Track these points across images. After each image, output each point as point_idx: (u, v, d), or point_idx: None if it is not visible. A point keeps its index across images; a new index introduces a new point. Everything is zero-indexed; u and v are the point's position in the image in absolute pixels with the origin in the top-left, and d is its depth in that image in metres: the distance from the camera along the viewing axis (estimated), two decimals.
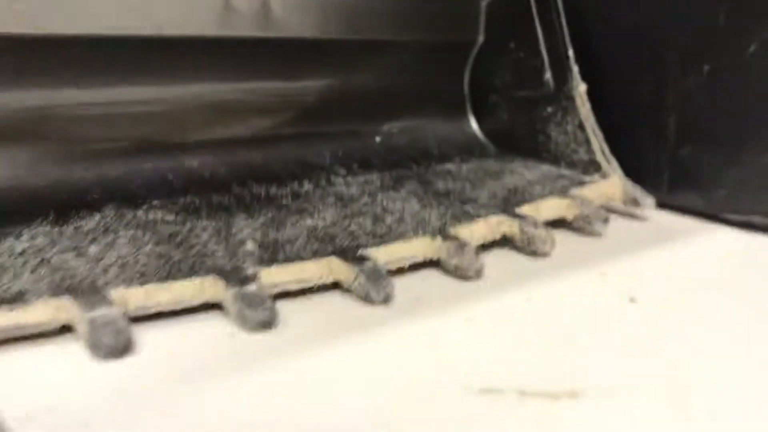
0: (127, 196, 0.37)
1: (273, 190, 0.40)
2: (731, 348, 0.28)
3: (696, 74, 0.43)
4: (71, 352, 0.26)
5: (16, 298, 0.27)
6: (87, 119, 0.38)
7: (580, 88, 0.46)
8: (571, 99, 0.47)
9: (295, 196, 0.40)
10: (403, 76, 0.50)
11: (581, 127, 0.46)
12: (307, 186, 0.41)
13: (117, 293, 0.28)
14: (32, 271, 0.29)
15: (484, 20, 0.51)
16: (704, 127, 0.44)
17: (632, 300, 0.32)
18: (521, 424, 0.22)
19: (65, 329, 0.27)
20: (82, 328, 0.26)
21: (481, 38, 0.51)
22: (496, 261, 0.35)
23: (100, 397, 0.23)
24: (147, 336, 0.27)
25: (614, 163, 0.46)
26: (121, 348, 0.26)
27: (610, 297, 0.32)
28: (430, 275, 0.34)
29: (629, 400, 0.24)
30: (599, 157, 0.46)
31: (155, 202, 0.36)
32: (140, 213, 0.35)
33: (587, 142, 0.46)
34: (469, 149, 0.51)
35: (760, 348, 0.28)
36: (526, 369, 0.26)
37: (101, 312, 0.26)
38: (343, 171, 0.44)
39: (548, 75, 0.48)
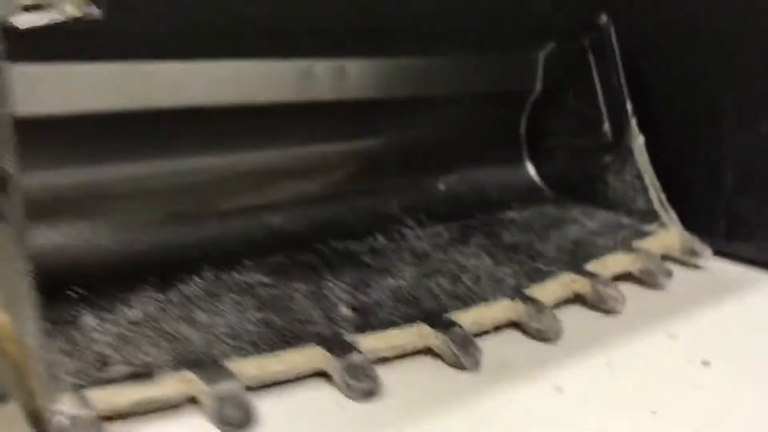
0: (221, 257, 0.39)
1: (351, 245, 0.42)
2: None
3: (754, 131, 0.45)
4: (198, 425, 0.28)
5: (144, 373, 0.29)
6: (182, 185, 0.40)
7: (639, 139, 0.48)
8: (629, 149, 0.49)
9: (373, 251, 0.42)
10: (464, 126, 0.52)
11: (639, 177, 0.48)
12: (381, 240, 0.43)
13: (235, 365, 0.30)
14: (151, 344, 0.31)
15: (541, 71, 0.52)
16: (761, 182, 0.45)
17: (705, 363, 0.34)
18: None
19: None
20: (207, 402, 0.29)
21: (538, 87, 0.53)
22: (570, 319, 0.37)
23: None
24: (263, 406, 0.29)
25: (672, 213, 0.47)
26: (245, 421, 0.28)
27: (684, 361, 0.34)
28: (511, 337, 0.36)
29: None
30: (657, 207, 0.48)
31: (247, 263, 0.39)
32: (236, 275, 0.37)
33: (645, 191, 0.48)
34: (527, 194, 0.53)
35: None
36: None
37: (224, 386, 0.29)
38: (412, 222, 0.46)
39: (606, 126, 0.49)
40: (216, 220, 0.41)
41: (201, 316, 0.34)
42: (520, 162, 0.54)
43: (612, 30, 0.49)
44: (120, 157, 0.38)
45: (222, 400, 0.28)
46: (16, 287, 0.26)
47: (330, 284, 0.37)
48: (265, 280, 0.38)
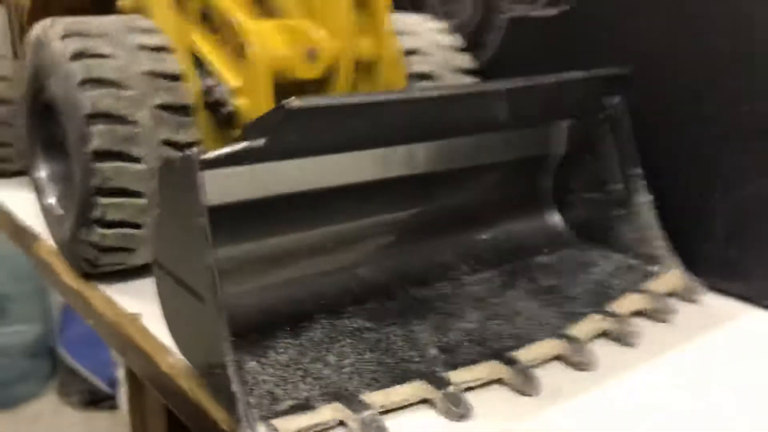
0: (328, 305, 0.50)
1: (424, 291, 0.54)
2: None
3: (741, 192, 0.57)
4: None
5: (306, 406, 0.41)
6: (308, 254, 0.52)
7: (647, 197, 0.60)
8: (638, 205, 0.60)
9: (443, 297, 0.53)
10: (505, 185, 0.63)
11: (646, 228, 0.60)
12: (447, 286, 0.55)
13: (368, 397, 0.41)
14: (303, 381, 0.43)
15: (565, 139, 0.64)
16: (746, 233, 0.57)
17: (704, 385, 0.46)
18: None
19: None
20: (353, 425, 0.40)
21: (562, 151, 0.65)
22: (600, 351, 0.49)
23: None
24: (391, 426, 0.41)
25: (675, 258, 0.59)
26: None
27: (685, 382, 0.46)
28: (558, 368, 0.48)
29: None
30: (661, 252, 0.59)
31: (350, 309, 0.50)
32: (345, 321, 0.49)
33: (652, 240, 0.60)
34: (554, 238, 0.65)
35: None
36: None
37: (365, 413, 0.40)
38: (465, 267, 0.58)
39: (620, 185, 0.61)
40: (331, 276, 0.52)
41: (330, 359, 0.45)
42: (548, 212, 0.66)
43: (625, 108, 0.60)
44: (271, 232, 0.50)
45: (365, 423, 0.40)
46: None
47: (417, 328, 0.49)
48: (367, 325, 0.49)
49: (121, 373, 2.03)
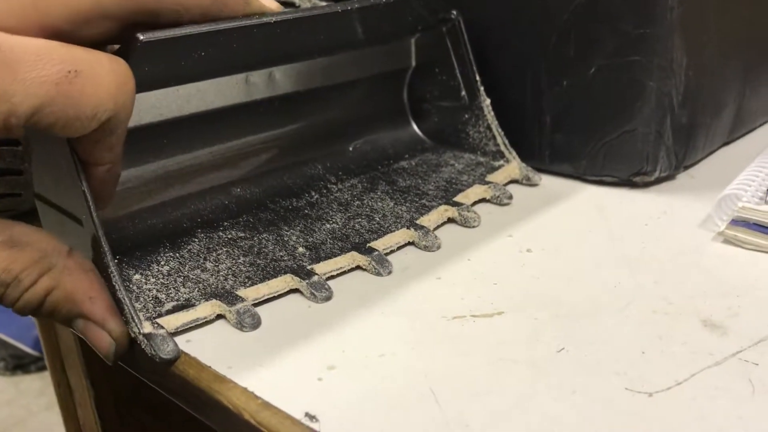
0: (206, 222, 0.56)
1: (295, 202, 0.60)
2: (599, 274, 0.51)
3: (560, 86, 0.65)
4: (227, 330, 0.47)
5: (187, 305, 0.47)
6: (184, 177, 0.57)
7: (486, 101, 0.68)
8: (480, 108, 0.68)
9: (310, 205, 0.60)
10: (363, 102, 0.70)
11: (489, 128, 0.68)
12: (315, 196, 0.62)
13: (242, 292, 0.48)
14: (183, 285, 0.49)
15: (414, 52, 0.71)
16: (568, 121, 0.66)
17: (529, 251, 0.55)
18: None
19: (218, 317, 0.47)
20: (231, 317, 0.47)
21: (413, 63, 0.71)
22: (446, 236, 0.57)
23: (251, 352, 0.44)
24: (263, 313, 0.48)
25: (513, 152, 0.68)
26: (256, 324, 0.47)
27: (516, 250, 0.55)
28: (410, 251, 0.56)
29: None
30: (503, 149, 0.68)
31: (225, 223, 0.56)
32: (221, 233, 0.55)
33: (494, 138, 0.68)
34: (414, 145, 0.72)
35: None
36: (476, 300, 0.48)
37: (240, 305, 0.47)
38: (333, 178, 0.65)
39: (463, 92, 0.69)
40: (203, 195, 0.58)
41: (209, 265, 0.51)
42: (407, 122, 0.73)
43: (461, 21, 0.67)
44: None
45: (240, 314, 0.47)
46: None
47: (287, 233, 0.56)
48: (241, 234, 0.56)
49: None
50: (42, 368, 2.11)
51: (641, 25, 0.58)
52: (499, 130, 0.68)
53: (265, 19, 0.49)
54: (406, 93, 0.73)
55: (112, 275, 0.44)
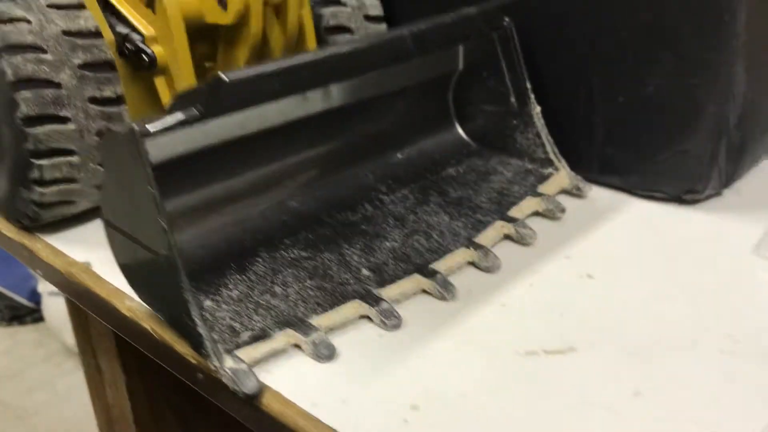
0: (267, 239, 0.56)
1: (350, 216, 0.61)
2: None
3: (614, 101, 0.65)
4: (303, 362, 0.47)
5: (263, 335, 0.47)
6: (243, 196, 0.57)
7: (536, 109, 0.67)
8: (530, 116, 0.68)
9: (367, 220, 0.60)
10: (410, 108, 0.69)
11: (538, 135, 0.68)
12: (369, 209, 0.62)
13: (315, 321, 0.49)
14: (256, 313, 0.49)
15: (462, 57, 0.70)
16: (620, 136, 0.66)
17: (589, 276, 0.56)
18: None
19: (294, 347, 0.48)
20: (306, 348, 0.47)
21: (460, 67, 0.71)
22: (504, 254, 0.58)
23: (332, 386, 0.45)
24: (337, 343, 0.48)
25: (562, 160, 0.68)
26: (332, 354, 0.47)
27: (575, 275, 0.56)
28: (470, 271, 0.56)
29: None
30: (552, 156, 0.68)
31: (286, 241, 0.57)
32: (284, 252, 0.55)
33: (543, 146, 0.68)
34: (459, 148, 0.72)
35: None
36: (544, 333, 0.49)
37: (314, 335, 0.47)
38: (384, 187, 0.65)
39: (513, 99, 0.68)
40: (260, 211, 0.58)
41: (277, 289, 0.52)
42: (451, 124, 0.73)
43: (513, 28, 0.66)
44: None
45: (315, 344, 0.47)
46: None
47: (348, 252, 0.56)
48: (304, 254, 0.56)
49: (42, 287, 2.04)
50: (38, 320, 2.12)
51: (706, 50, 0.58)
52: (549, 138, 0.68)
53: (334, 52, 0.49)
54: (451, 96, 0.73)
55: (190, 307, 0.44)
